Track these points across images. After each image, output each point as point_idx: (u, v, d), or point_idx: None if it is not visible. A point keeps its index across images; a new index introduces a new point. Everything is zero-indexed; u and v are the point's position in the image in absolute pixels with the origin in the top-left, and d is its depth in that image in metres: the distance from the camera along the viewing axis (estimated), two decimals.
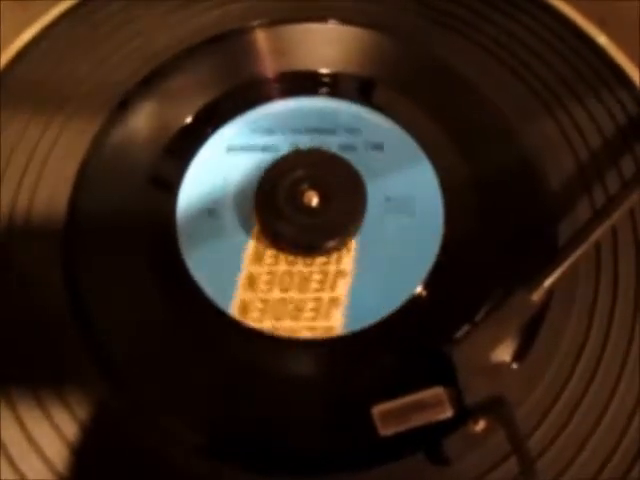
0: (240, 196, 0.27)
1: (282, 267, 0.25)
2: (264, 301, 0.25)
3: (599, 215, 0.24)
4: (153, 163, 0.27)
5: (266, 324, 0.24)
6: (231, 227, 0.26)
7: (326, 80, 0.29)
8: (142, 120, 0.28)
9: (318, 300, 0.25)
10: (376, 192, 0.26)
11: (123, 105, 0.28)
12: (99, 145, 0.27)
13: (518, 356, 0.23)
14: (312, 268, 0.25)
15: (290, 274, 0.25)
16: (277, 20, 0.30)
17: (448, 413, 0.21)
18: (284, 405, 0.23)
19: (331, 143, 0.28)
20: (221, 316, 0.24)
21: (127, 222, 0.26)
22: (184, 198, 0.27)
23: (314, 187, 0.26)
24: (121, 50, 0.29)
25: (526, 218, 0.26)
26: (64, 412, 0.22)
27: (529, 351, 0.23)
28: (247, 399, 0.23)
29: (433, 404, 0.21)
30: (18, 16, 0.30)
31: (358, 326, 0.24)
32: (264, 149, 0.28)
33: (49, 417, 0.22)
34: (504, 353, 0.22)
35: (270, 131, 0.28)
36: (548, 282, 0.23)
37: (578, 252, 0.23)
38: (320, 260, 0.25)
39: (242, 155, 0.28)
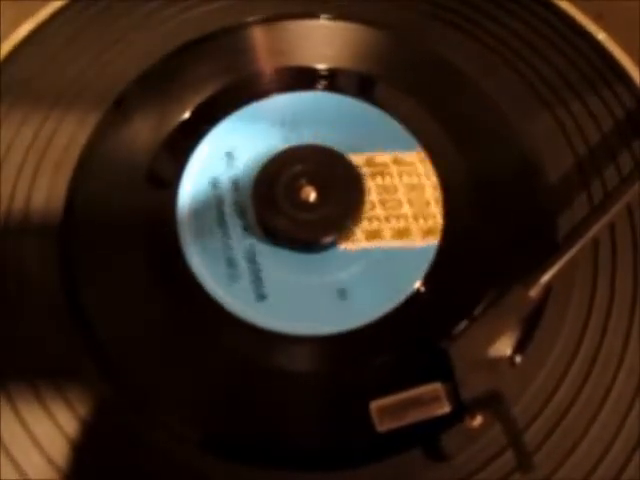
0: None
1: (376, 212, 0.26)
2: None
3: (597, 211, 0.24)
4: (151, 160, 0.27)
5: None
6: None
7: (324, 76, 0.29)
8: (140, 117, 0.28)
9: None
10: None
11: (120, 102, 0.28)
12: (96, 142, 0.27)
13: (516, 351, 0.23)
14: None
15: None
16: (273, 16, 0.30)
17: (445, 409, 0.21)
18: (283, 401, 0.23)
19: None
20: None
21: (125, 219, 0.26)
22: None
23: (312, 182, 0.26)
24: (117, 47, 0.29)
25: (524, 214, 0.26)
26: (64, 409, 0.22)
27: (527, 346, 0.23)
28: (246, 395, 0.23)
29: (430, 400, 0.21)
30: (13, 13, 0.30)
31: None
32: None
33: (49, 414, 0.22)
34: (501, 349, 0.22)
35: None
36: (546, 278, 0.23)
37: (576, 248, 0.23)
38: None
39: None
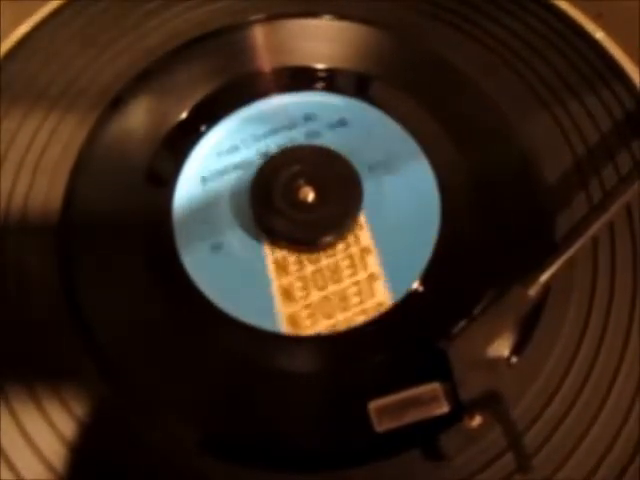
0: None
1: (309, 269, 0.25)
2: (307, 306, 0.24)
3: (596, 210, 0.24)
4: (149, 159, 0.27)
5: (321, 327, 0.24)
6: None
7: (323, 75, 0.29)
8: (137, 116, 0.28)
9: (357, 283, 0.25)
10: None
11: (118, 101, 0.28)
12: (94, 142, 0.27)
13: (515, 351, 0.23)
14: (337, 257, 0.25)
15: (320, 271, 0.25)
16: (272, 15, 0.30)
17: (444, 409, 0.21)
18: (282, 401, 0.23)
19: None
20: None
21: (123, 219, 0.26)
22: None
23: (310, 183, 0.26)
24: (115, 46, 0.29)
25: (523, 213, 0.26)
26: (61, 410, 0.22)
27: (526, 346, 0.23)
28: (245, 396, 0.23)
29: (429, 400, 0.21)
30: (13, 13, 0.30)
31: (403, 291, 0.24)
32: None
33: (46, 415, 0.22)
34: (501, 348, 0.22)
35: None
36: (545, 277, 0.23)
37: (575, 247, 0.23)
38: (340, 247, 0.25)
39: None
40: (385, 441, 0.21)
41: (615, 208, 0.24)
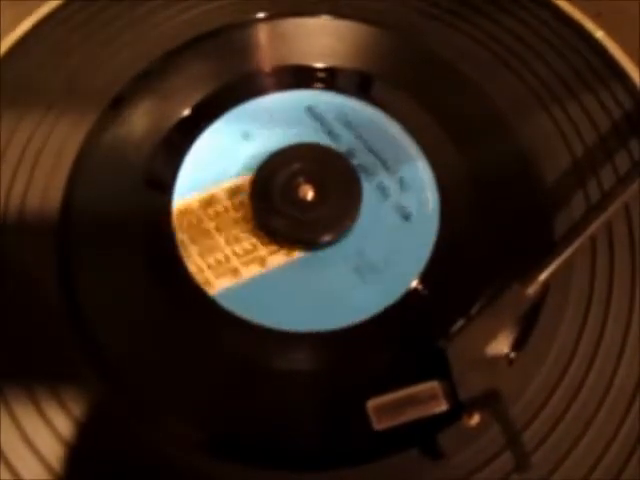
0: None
1: (236, 215, 0.26)
2: (199, 220, 0.25)
3: (595, 209, 0.24)
4: (148, 160, 0.27)
5: (181, 235, 0.25)
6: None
7: (322, 74, 0.29)
8: (136, 117, 0.28)
9: (227, 259, 0.25)
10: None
11: (116, 102, 0.28)
12: (92, 142, 0.27)
13: (513, 350, 0.23)
14: (251, 237, 0.25)
15: (235, 224, 0.26)
16: (272, 14, 0.30)
17: (443, 407, 0.21)
18: (281, 400, 0.23)
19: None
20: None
21: (122, 219, 0.26)
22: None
23: (309, 181, 0.26)
24: (113, 47, 0.29)
25: (522, 212, 0.26)
26: (60, 410, 0.22)
27: (524, 345, 0.23)
28: (244, 395, 0.23)
29: (428, 398, 0.21)
30: (12, 13, 0.30)
31: (228, 304, 0.24)
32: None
33: (44, 415, 0.22)
34: (499, 347, 0.22)
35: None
36: (543, 276, 0.23)
37: (573, 246, 0.23)
38: (262, 238, 0.25)
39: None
40: (384, 440, 0.21)
41: (613, 208, 0.24)
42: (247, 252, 0.25)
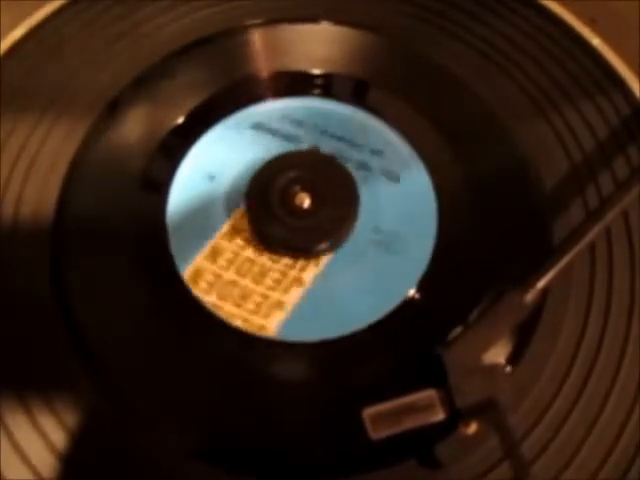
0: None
1: (248, 252, 0.25)
2: (217, 276, 0.25)
3: (593, 216, 0.24)
4: (143, 164, 0.27)
5: (209, 299, 0.24)
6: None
7: (318, 81, 0.29)
8: (132, 121, 0.28)
9: (265, 297, 0.24)
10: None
11: (113, 105, 0.28)
12: (88, 146, 0.27)
13: (512, 358, 0.23)
14: (274, 265, 0.25)
15: (252, 262, 0.25)
16: (269, 20, 0.30)
17: (440, 416, 0.21)
18: (276, 408, 0.23)
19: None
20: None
21: (117, 224, 0.26)
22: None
23: (306, 189, 0.26)
24: (111, 50, 0.29)
25: (520, 219, 0.26)
26: (52, 420, 0.22)
27: (523, 353, 0.23)
28: (238, 402, 0.23)
29: (425, 406, 0.21)
30: (11, 14, 0.30)
31: (293, 336, 0.24)
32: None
33: (37, 425, 0.22)
34: (497, 355, 0.22)
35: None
36: (542, 283, 0.23)
37: (572, 253, 0.23)
38: (285, 261, 0.25)
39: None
40: (381, 449, 0.21)
41: (612, 215, 0.24)
42: (278, 281, 0.25)
